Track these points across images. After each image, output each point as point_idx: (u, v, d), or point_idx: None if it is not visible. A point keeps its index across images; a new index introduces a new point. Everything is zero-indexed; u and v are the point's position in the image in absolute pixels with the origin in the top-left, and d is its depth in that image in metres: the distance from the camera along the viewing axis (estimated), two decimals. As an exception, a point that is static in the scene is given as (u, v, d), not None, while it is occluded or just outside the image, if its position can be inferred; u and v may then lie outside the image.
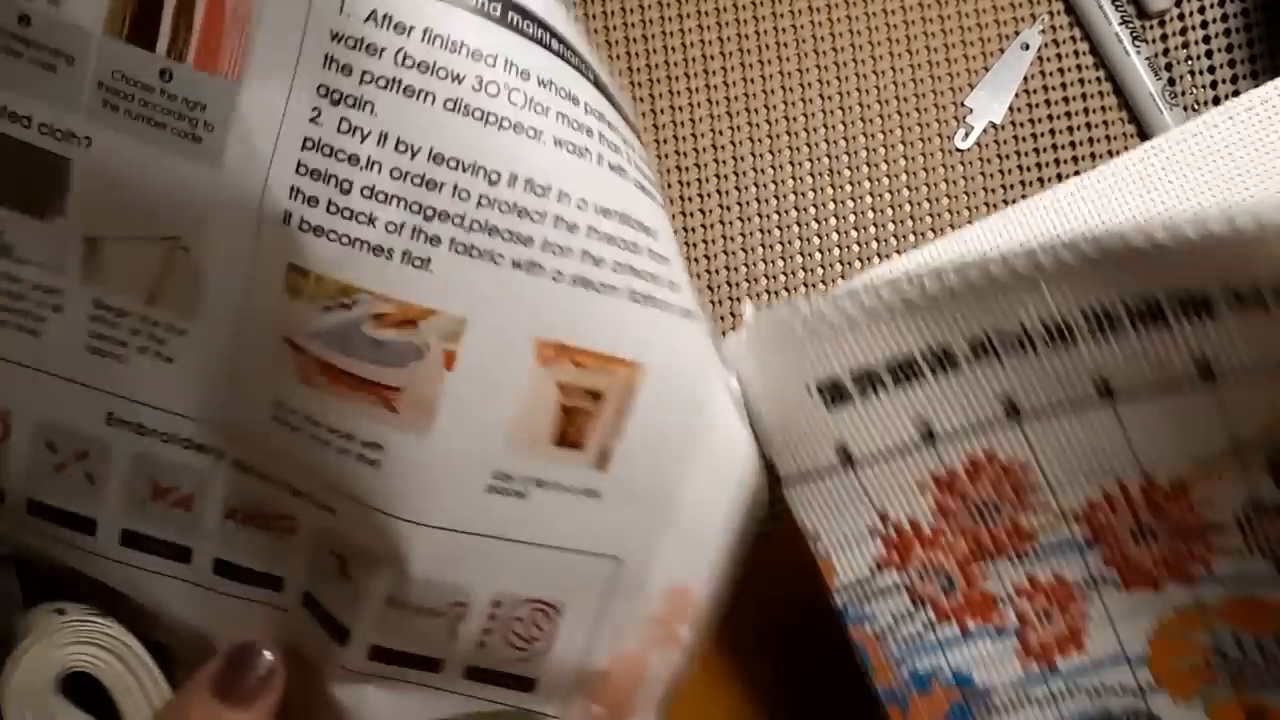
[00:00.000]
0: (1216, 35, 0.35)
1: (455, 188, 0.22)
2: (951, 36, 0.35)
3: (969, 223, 0.33)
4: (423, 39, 0.21)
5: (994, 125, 0.35)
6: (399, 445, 0.24)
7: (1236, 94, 0.34)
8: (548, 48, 0.22)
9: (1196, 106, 0.35)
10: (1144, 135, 0.35)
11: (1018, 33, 0.35)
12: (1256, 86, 0.33)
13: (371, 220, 0.22)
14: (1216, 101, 0.35)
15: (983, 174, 0.35)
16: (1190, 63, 0.35)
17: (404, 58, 0.21)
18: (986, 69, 0.35)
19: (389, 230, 0.22)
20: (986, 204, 0.35)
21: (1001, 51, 0.35)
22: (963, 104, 0.35)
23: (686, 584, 0.26)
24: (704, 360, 0.25)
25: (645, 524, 0.25)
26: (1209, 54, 0.35)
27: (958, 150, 0.35)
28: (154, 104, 0.22)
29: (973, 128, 0.35)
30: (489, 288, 0.23)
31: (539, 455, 0.24)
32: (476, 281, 0.23)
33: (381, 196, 0.22)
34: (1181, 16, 0.36)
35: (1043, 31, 0.35)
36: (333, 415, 0.23)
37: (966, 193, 0.35)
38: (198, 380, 0.24)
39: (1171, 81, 0.35)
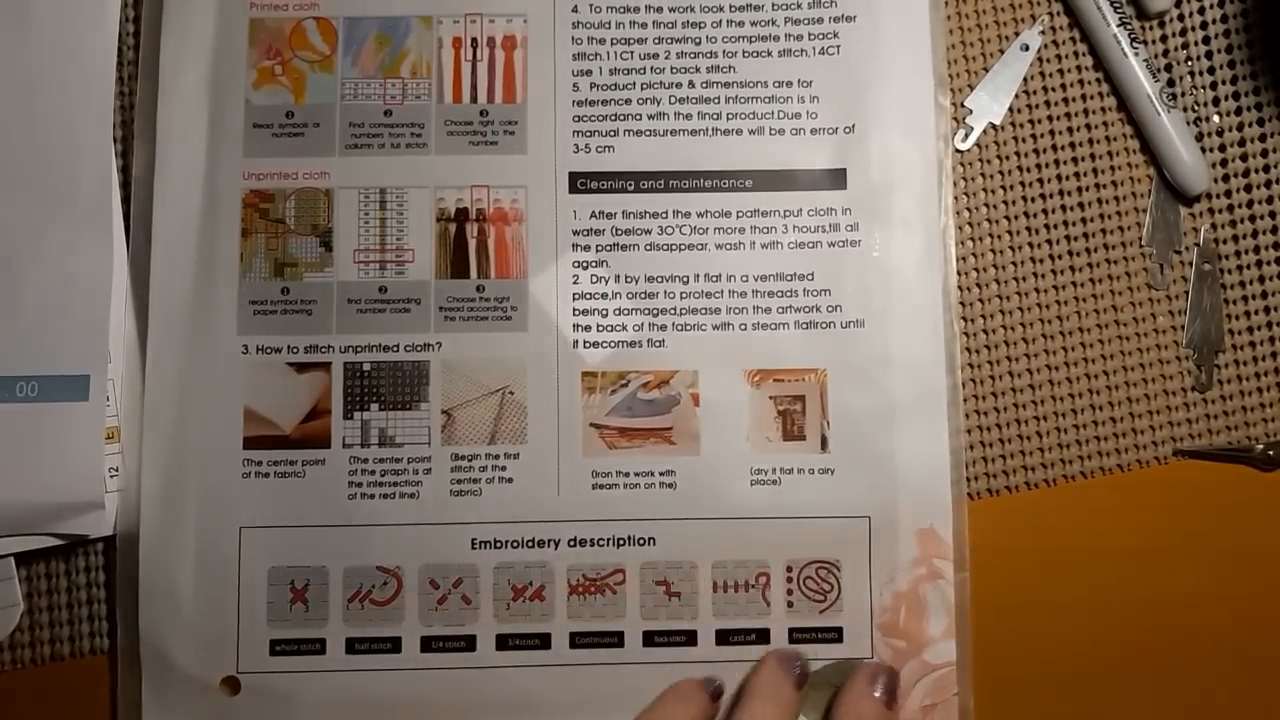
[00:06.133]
0: (1216, 35, 0.35)
1: (665, 294, 0.35)
2: (951, 37, 0.36)
3: (968, 223, 0.35)
4: (622, 215, 0.36)
5: (994, 126, 0.35)
6: (684, 467, 0.34)
7: (1236, 95, 0.35)
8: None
9: (1196, 107, 0.35)
10: (1142, 136, 0.35)
11: (1017, 33, 0.35)
12: (1256, 86, 0.34)
13: (624, 328, 0.35)
14: (1216, 102, 0.35)
15: (983, 174, 0.35)
16: (1190, 63, 0.35)
17: (614, 230, 0.35)
18: (986, 69, 0.35)
19: (635, 330, 0.35)
20: (986, 204, 0.35)
21: (1001, 52, 0.35)
22: (963, 104, 0.35)
23: (930, 525, 0.34)
24: (873, 354, 0.34)
25: (877, 485, 0.34)
26: (1209, 54, 0.35)
27: (958, 151, 0.35)
28: (476, 307, 0.35)
29: (973, 128, 0.35)
30: (703, 346, 0.35)
31: (776, 451, 0.34)
32: (694, 344, 0.35)
33: (625, 312, 0.35)
34: (1181, 17, 0.35)
35: (1042, 32, 0.35)
36: (636, 462, 0.34)
37: (967, 193, 0.36)
38: (533, 487, 0.34)
39: (1171, 83, 0.35)
